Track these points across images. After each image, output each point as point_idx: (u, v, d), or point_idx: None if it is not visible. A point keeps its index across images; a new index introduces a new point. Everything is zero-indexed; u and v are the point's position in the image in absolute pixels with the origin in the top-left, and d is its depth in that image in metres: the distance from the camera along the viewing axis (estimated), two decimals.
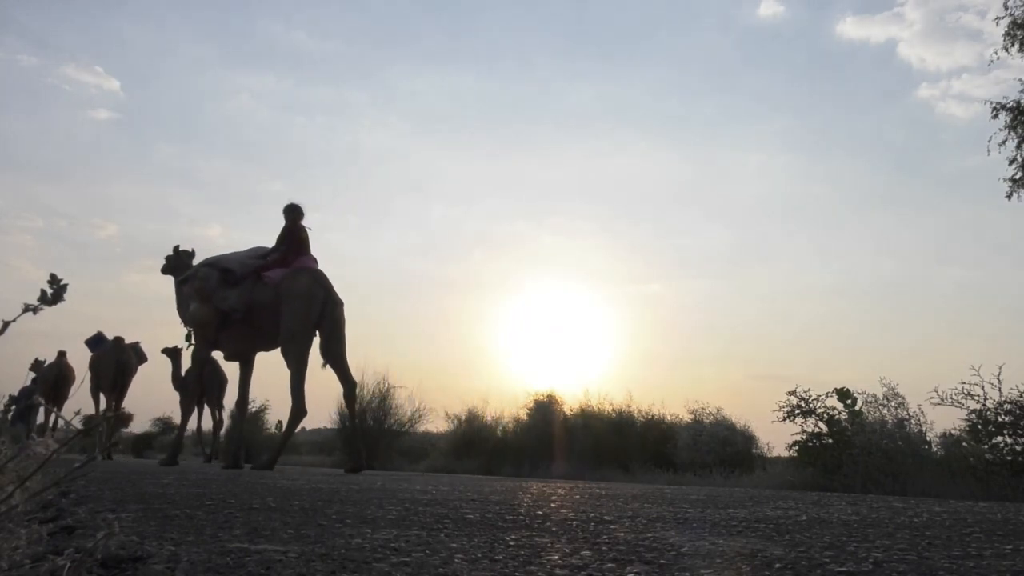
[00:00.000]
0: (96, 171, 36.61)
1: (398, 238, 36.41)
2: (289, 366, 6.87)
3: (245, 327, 7.21)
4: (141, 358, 11.62)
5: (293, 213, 7.41)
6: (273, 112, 36.86)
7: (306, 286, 6.85)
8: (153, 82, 36.14)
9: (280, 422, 19.02)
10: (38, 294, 1.11)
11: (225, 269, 7.15)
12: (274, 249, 7.41)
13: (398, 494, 3.67)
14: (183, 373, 11.54)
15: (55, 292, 1.12)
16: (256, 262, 7.25)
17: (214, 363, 9.64)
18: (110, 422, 10.75)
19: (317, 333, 7.04)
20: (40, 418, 13.13)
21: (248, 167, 38.49)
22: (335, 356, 7.11)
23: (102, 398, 11.34)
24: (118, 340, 11.34)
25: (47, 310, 1.12)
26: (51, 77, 34.44)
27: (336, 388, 20.28)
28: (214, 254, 7.68)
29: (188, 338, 7.70)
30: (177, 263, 8.21)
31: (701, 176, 34.24)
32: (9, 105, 33.47)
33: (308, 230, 7.50)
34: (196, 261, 8.06)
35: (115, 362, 10.84)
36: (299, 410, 6.93)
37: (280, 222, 7.46)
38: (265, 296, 6.99)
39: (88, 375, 11.07)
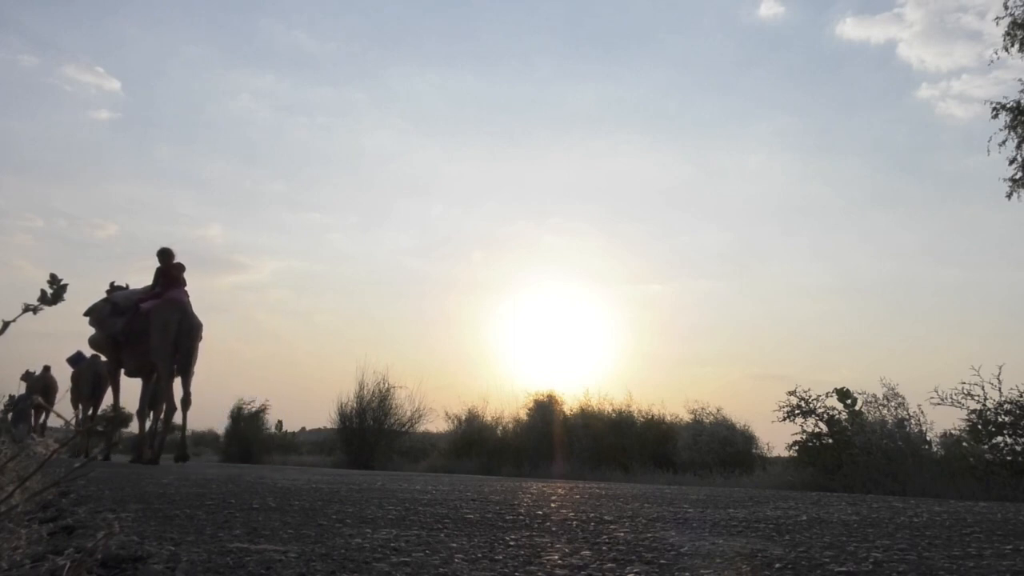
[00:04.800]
0: (96, 171, 36.61)
1: (398, 238, 36.40)
2: (159, 376, 8.75)
3: (134, 348, 9.01)
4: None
5: (164, 256, 9.16)
6: (273, 112, 36.87)
7: (165, 315, 8.66)
8: (154, 82, 36.14)
9: (280, 421, 19.13)
10: (38, 294, 1.11)
11: (114, 303, 9.09)
12: (152, 285, 9.25)
13: (398, 494, 3.68)
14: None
15: (55, 292, 1.12)
16: (138, 296, 9.14)
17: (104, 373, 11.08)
18: (108, 424, 11.50)
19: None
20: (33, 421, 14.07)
21: (248, 167, 38.49)
22: (183, 372, 8.85)
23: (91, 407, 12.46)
24: (95, 356, 12.42)
25: (47, 310, 1.12)
26: (52, 77, 34.48)
27: (336, 389, 20.37)
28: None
29: None
30: None
31: (701, 176, 34.26)
32: (10, 105, 33.50)
33: (181, 267, 9.23)
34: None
35: (92, 375, 12.00)
36: (170, 407, 8.79)
37: None
38: (141, 324, 8.85)
39: (70, 386, 12.46)
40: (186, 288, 9.15)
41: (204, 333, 9.01)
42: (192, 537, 1.75)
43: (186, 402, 8.86)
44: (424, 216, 36.25)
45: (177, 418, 9.11)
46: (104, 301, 9.15)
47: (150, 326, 8.69)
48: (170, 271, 9.12)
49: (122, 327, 8.96)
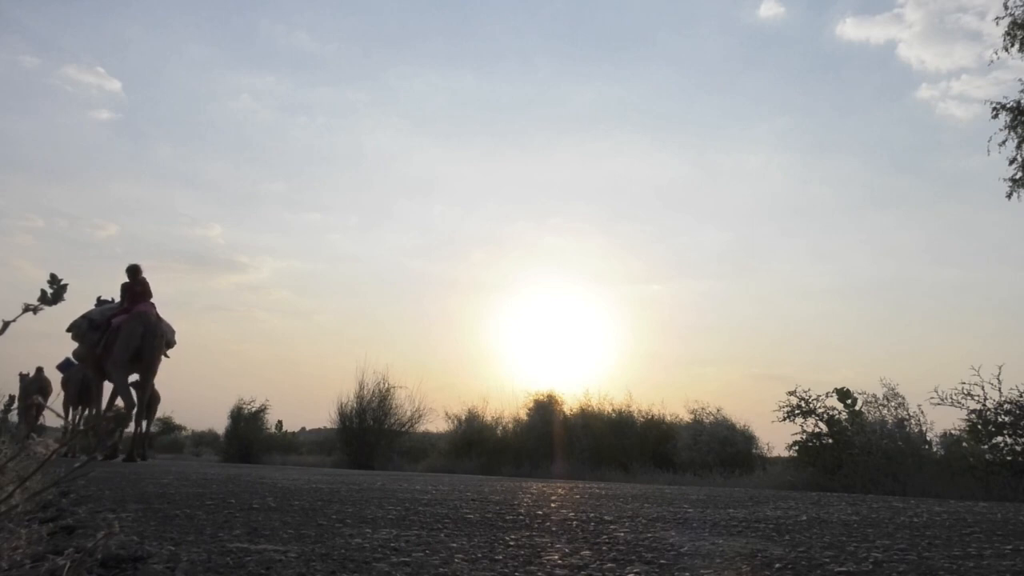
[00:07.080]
0: (97, 171, 36.46)
1: (399, 238, 36.25)
2: (114, 382, 9.75)
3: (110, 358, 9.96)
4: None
5: (132, 272, 10.03)
6: (274, 113, 36.72)
7: (129, 329, 9.59)
8: (154, 83, 35.97)
9: (280, 421, 19.16)
10: (38, 294, 1.11)
11: (90, 319, 10.01)
12: (121, 301, 10.17)
13: (398, 494, 3.67)
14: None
15: (55, 292, 1.12)
16: (111, 311, 10.07)
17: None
18: (107, 424, 11.84)
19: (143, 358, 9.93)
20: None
21: (249, 167, 38.33)
22: (142, 380, 9.95)
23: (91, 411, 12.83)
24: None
25: (47, 310, 1.12)
26: (52, 78, 34.32)
27: (336, 389, 20.36)
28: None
29: None
30: None
31: (701, 176, 34.16)
32: (10, 105, 33.35)
33: (146, 282, 10.05)
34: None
35: (80, 380, 12.39)
36: (130, 405, 9.71)
37: None
38: (112, 338, 9.78)
39: (61, 391, 12.93)
40: (152, 300, 10.07)
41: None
42: (192, 537, 1.75)
43: (155, 398, 9.62)
44: (424, 216, 36.17)
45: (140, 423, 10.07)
46: (82, 318, 10.15)
47: (118, 339, 9.73)
48: (134, 287, 10.07)
49: (97, 340, 9.98)
